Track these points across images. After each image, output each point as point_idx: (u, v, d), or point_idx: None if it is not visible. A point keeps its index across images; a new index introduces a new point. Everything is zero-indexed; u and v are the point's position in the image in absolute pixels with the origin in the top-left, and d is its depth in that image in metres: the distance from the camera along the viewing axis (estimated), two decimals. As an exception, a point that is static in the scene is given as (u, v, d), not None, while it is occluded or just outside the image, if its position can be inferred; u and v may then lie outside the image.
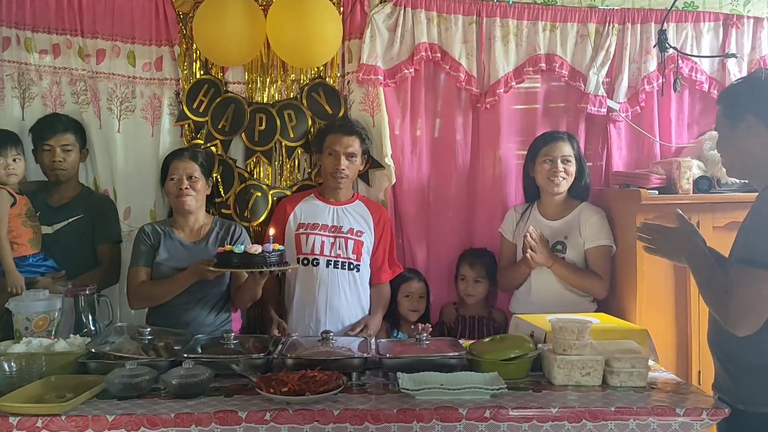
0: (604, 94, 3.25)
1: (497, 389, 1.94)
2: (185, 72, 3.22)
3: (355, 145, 3.00)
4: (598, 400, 1.94)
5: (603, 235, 2.93)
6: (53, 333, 2.45)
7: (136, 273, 2.77)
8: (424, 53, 3.20)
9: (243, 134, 3.23)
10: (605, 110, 3.25)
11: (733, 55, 3.20)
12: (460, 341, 2.38)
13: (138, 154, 3.22)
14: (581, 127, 3.31)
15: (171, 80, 3.23)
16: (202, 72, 3.24)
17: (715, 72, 3.31)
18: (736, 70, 3.27)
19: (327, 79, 3.27)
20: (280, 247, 2.58)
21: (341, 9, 3.20)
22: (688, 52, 3.25)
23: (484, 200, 3.31)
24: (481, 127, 3.31)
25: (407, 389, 1.95)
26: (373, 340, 2.45)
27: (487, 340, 2.31)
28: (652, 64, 3.25)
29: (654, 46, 3.19)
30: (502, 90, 3.24)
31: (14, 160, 2.83)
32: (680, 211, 2.07)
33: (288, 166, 3.27)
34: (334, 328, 2.75)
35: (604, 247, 2.93)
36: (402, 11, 3.20)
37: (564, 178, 2.94)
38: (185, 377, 1.97)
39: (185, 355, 2.16)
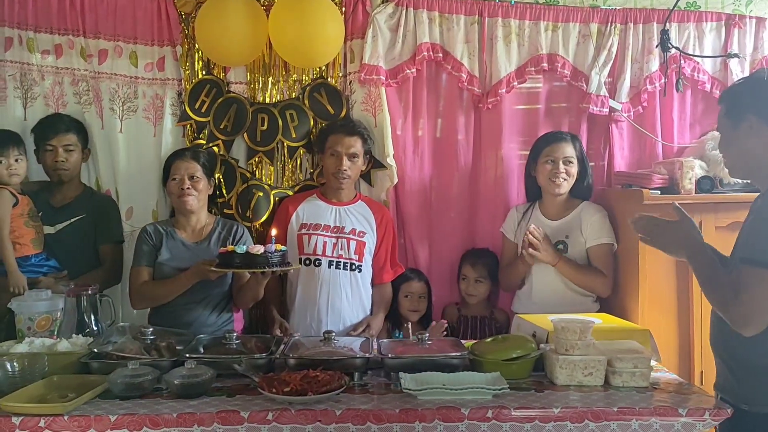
0: (606, 94, 3.25)
1: (499, 389, 1.94)
2: (187, 72, 3.23)
3: (357, 145, 3.00)
4: (600, 400, 1.94)
5: (604, 233, 2.93)
6: (56, 333, 2.45)
7: (138, 273, 2.77)
8: (426, 53, 3.20)
9: (245, 134, 3.24)
10: (607, 110, 3.25)
11: (736, 55, 3.20)
12: (462, 341, 2.37)
13: (140, 154, 3.23)
14: (583, 127, 3.31)
15: (173, 80, 3.24)
16: (204, 72, 3.24)
17: (717, 72, 3.31)
18: (738, 70, 3.27)
19: (329, 79, 3.27)
20: (283, 247, 2.58)
21: (343, 9, 3.20)
22: (690, 52, 3.25)
23: (486, 200, 3.31)
24: (483, 127, 3.31)
25: (409, 389, 1.94)
26: (374, 340, 2.45)
27: (489, 340, 2.30)
28: (655, 64, 3.25)
29: (656, 46, 3.19)
30: (504, 90, 3.24)
31: (16, 161, 2.83)
32: (677, 204, 2.05)
33: (290, 166, 3.27)
34: (335, 329, 2.75)
35: (606, 245, 2.93)
36: (404, 11, 3.20)
37: (565, 179, 2.94)
38: (187, 377, 1.97)
39: (187, 355, 2.16)
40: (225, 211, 3.19)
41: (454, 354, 2.19)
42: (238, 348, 2.26)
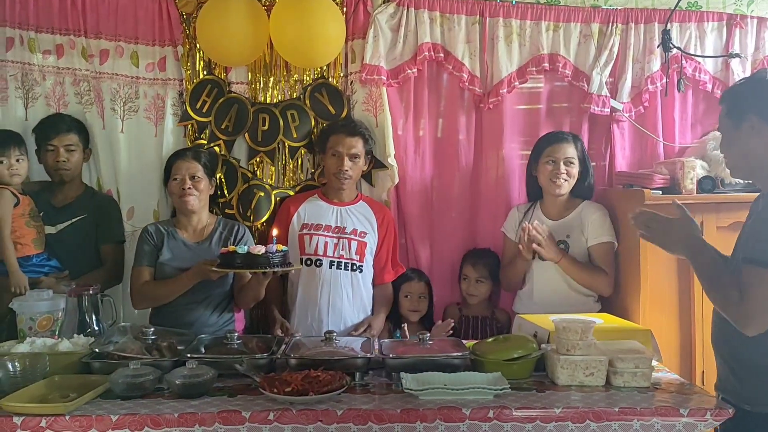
0: (608, 94, 3.24)
1: (500, 389, 1.94)
2: (188, 72, 3.23)
3: (358, 146, 3.00)
4: (601, 400, 1.94)
5: (605, 231, 2.93)
6: (57, 333, 2.45)
7: (139, 273, 2.78)
8: (427, 53, 3.20)
9: (246, 134, 3.24)
10: (608, 110, 3.25)
11: (737, 55, 3.20)
12: (463, 341, 2.37)
13: (141, 154, 3.23)
14: (584, 127, 3.31)
15: (174, 80, 3.24)
16: (205, 72, 3.24)
17: (718, 72, 3.31)
18: (739, 70, 3.27)
19: (330, 80, 3.27)
20: (284, 247, 2.58)
21: (344, 9, 3.20)
22: (691, 52, 3.25)
23: (488, 200, 3.30)
24: (484, 127, 3.31)
25: (411, 389, 1.94)
26: (376, 340, 2.45)
27: (490, 340, 2.30)
28: (656, 64, 3.25)
29: (658, 46, 3.19)
30: (505, 90, 3.24)
31: (17, 161, 2.83)
32: (678, 202, 2.05)
33: (291, 166, 3.27)
34: (336, 329, 2.74)
35: (607, 243, 2.93)
36: (405, 11, 3.20)
37: (566, 180, 2.94)
38: (189, 377, 1.97)
39: (189, 355, 2.16)
40: (226, 211, 3.19)
41: (455, 354, 2.19)
42: (239, 348, 2.26)
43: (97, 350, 2.18)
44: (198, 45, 3.18)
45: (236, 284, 2.82)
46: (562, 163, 2.92)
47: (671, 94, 3.23)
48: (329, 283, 2.95)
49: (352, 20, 3.21)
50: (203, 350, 2.27)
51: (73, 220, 3.00)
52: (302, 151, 3.27)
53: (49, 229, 2.94)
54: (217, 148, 3.21)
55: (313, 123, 3.26)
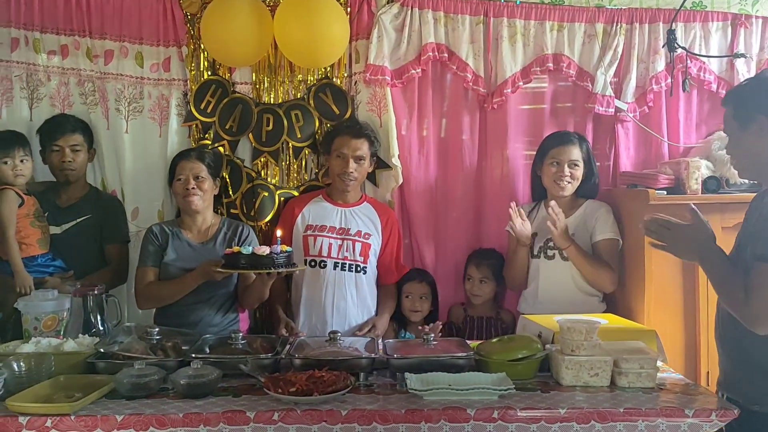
0: (612, 94, 3.24)
1: (505, 390, 1.94)
2: (193, 72, 3.23)
3: (363, 148, 2.99)
4: (606, 401, 1.94)
5: (609, 228, 2.93)
6: (62, 333, 2.46)
7: (144, 273, 2.78)
8: (431, 53, 3.20)
9: (250, 135, 3.24)
10: (613, 110, 3.24)
11: (743, 55, 3.19)
12: (468, 342, 2.37)
13: (146, 154, 3.23)
14: (589, 127, 3.30)
15: (179, 81, 3.24)
16: (209, 72, 3.25)
17: (723, 72, 3.30)
18: (744, 70, 3.26)
19: (334, 80, 3.27)
20: (288, 248, 2.58)
21: (348, 9, 3.20)
22: (696, 51, 3.24)
23: (492, 200, 3.30)
24: (489, 127, 3.31)
25: (415, 390, 1.95)
26: (380, 341, 2.45)
27: (494, 340, 2.30)
28: (660, 64, 3.24)
29: (663, 46, 3.18)
30: (509, 90, 3.23)
31: (22, 161, 2.83)
32: (693, 206, 2.02)
33: (295, 166, 3.28)
34: (340, 330, 2.75)
35: (612, 240, 2.92)
36: (409, 11, 3.20)
37: (569, 182, 2.93)
38: (193, 377, 1.97)
39: (193, 355, 2.16)
40: (231, 211, 3.20)
41: (459, 354, 2.20)
42: (243, 348, 2.26)
43: (102, 350, 2.19)
44: (202, 45, 3.19)
45: (240, 285, 2.83)
46: (566, 166, 2.92)
47: (676, 94, 3.22)
48: (333, 285, 2.96)
49: (356, 20, 3.21)
50: (208, 350, 2.27)
51: (78, 220, 3.00)
52: (306, 152, 3.28)
53: (54, 230, 2.94)
54: (221, 149, 3.21)
55: (317, 123, 3.26)
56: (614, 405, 1.89)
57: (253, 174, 3.24)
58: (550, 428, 1.85)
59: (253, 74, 3.27)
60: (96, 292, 2.54)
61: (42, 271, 2.83)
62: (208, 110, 3.23)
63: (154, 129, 3.24)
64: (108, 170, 3.25)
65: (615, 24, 3.24)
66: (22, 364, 2.02)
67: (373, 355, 2.20)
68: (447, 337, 2.87)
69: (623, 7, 3.25)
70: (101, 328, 2.52)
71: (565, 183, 2.92)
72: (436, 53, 3.21)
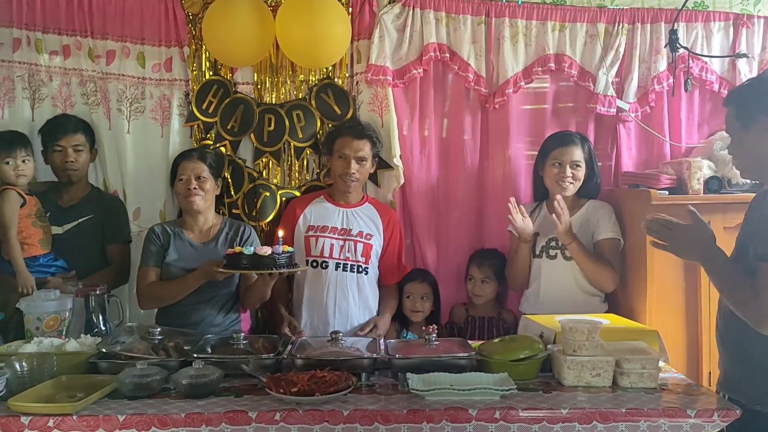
0: (614, 94, 3.24)
1: (507, 390, 1.94)
2: (195, 73, 3.23)
3: (365, 149, 2.99)
4: (608, 401, 1.94)
5: (610, 228, 2.93)
6: (64, 333, 2.46)
7: (145, 273, 2.78)
8: (432, 53, 3.20)
9: (252, 135, 3.24)
10: (615, 110, 3.24)
11: (745, 55, 3.19)
12: (470, 342, 2.37)
13: (147, 154, 3.23)
14: (590, 127, 3.30)
15: (180, 81, 3.24)
16: (211, 73, 3.25)
17: (725, 72, 3.29)
18: (746, 70, 3.25)
19: (336, 80, 3.27)
20: (290, 248, 2.59)
21: (350, 9, 3.20)
22: (698, 51, 3.24)
23: (494, 200, 3.29)
24: (490, 127, 3.31)
25: (417, 390, 1.94)
26: (382, 341, 2.45)
27: (496, 340, 2.30)
28: (662, 64, 3.24)
29: (665, 46, 3.18)
30: (510, 90, 3.23)
31: (23, 161, 2.83)
32: (692, 208, 2.03)
33: (296, 166, 3.28)
34: (342, 330, 2.75)
35: (613, 240, 2.92)
36: (411, 12, 3.20)
37: (571, 183, 2.93)
38: (195, 377, 1.97)
39: (195, 356, 2.16)
40: (233, 211, 3.20)
41: (461, 355, 2.20)
42: (245, 348, 2.26)
43: (104, 350, 2.19)
44: (204, 46, 3.19)
45: (242, 285, 2.83)
46: (568, 166, 2.91)
47: (678, 94, 3.22)
48: (335, 285, 2.96)
49: (357, 20, 3.21)
50: (210, 350, 2.28)
51: (80, 220, 3.01)
52: (308, 152, 3.28)
53: (56, 230, 2.95)
54: (222, 149, 3.21)
55: (318, 123, 3.26)
56: (616, 405, 1.89)
57: (255, 174, 3.24)
58: (552, 428, 1.85)
59: (255, 74, 3.28)
60: (98, 292, 2.54)
61: (44, 271, 2.84)
62: (210, 110, 3.23)
63: (156, 129, 3.24)
64: (110, 170, 3.25)
65: (617, 24, 3.24)
66: (24, 364, 2.02)
67: (374, 356, 2.20)
68: (449, 338, 2.87)
69: (625, 7, 3.24)
70: (103, 328, 2.52)
71: (567, 184, 2.92)
72: (438, 53, 3.21)
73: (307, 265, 2.94)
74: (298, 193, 3.24)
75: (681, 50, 3.13)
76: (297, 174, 3.29)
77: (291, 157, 3.27)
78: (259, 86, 3.28)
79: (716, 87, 3.27)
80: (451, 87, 3.31)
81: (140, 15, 3.19)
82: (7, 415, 1.81)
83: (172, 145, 3.21)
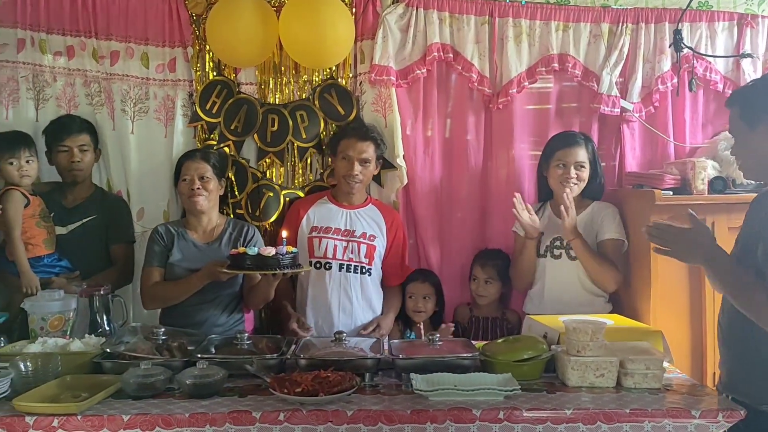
0: (618, 94, 3.23)
1: (511, 390, 1.94)
2: (198, 73, 3.24)
3: (369, 150, 2.99)
4: (612, 401, 1.93)
5: (614, 228, 2.92)
6: (68, 333, 2.47)
7: (149, 273, 2.78)
8: (436, 54, 3.20)
9: (255, 135, 3.25)
10: (618, 110, 3.24)
11: (749, 55, 3.19)
12: (473, 342, 2.37)
13: (151, 155, 3.24)
14: (594, 128, 3.30)
15: (184, 81, 3.25)
16: (214, 73, 3.25)
17: (729, 72, 3.29)
18: (750, 70, 3.25)
19: (339, 80, 3.28)
20: (294, 249, 2.59)
21: (353, 10, 3.20)
22: (702, 51, 3.23)
23: (498, 200, 3.29)
24: (494, 127, 3.31)
25: (421, 390, 1.94)
26: (385, 341, 2.45)
27: (500, 341, 2.29)
28: (666, 64, 3.23)
29: (669, 46, 3.18)
30: (514, 90, 3.23)
31: (27, 162, 2.84)
32: (692, 211, 2.02)
33: (300, 166, 3.28)
34: (346, 330, 2.75)
35: (617, 240, 2.92)
36: (414, 12, 3.20)
37: (576, 184, 2.93)
38: (199, 377, 1.97)
39: (199, 356, 2.17)
40: (237, 211, 3.20)
41: (465, 355, 2.19)
42: (249, 348, 2.26)
43: (108, 350, 2.19)
44: (208, 46, 3.19)
45: (246, 285, 2.83)
46: (572, 168, 2.91)
47: (682, 94, 3.22)
48: (339, 286, 2.96)
49: (361, 21, 3.21)
50: (213, 350, 2.28)
51: (84, 220, 3.01)
52: (311, 152, 3.28)
53: (60, 230, 2.95)
54: (226, 149, 3.22)
55: (322, 124, 3.26)
56: (620, 406, 1.89)
57: (259, 174, 3.24)
58: (556, 429, 1.85)
59: (258, 75, 3.28)
60: (102, 292, 2.55)
61: (48, 271, 2.84)
62: (214, 111, 3.24)
63: (160, 129, 3.25)
64: (113, 171, 3.26)
65: (620, 24, 3.23)
66: (28, 364, 2.02)
67: (378, 356, 2.20)
68: (452, 338, 2.87)
69: (629, 7, 3.24)
70: (107, 328, 2.53)
71: (572, 185, 2.91)
72: (441, 53, 3.21)
73: (311, 266, 2.94)
74: (301, 194, 3.24)
75: (685, 50, 3.13)
76: (300, 174, 3.29)
77: (294, 157, 3.27)
78: (262, 86, 3.28)
79: (720, 87, 3.27)
80: (454, 87, 3.31)
81: (144, 16, 3.20)
82: (12, 415, 1.81)
83: (176, 145, 3.22)
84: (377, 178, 3.24)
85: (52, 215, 2.92)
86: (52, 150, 3.02)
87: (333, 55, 3.12)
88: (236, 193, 3.20)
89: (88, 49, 3.20)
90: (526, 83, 3.25)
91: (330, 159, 3.20)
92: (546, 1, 3.23)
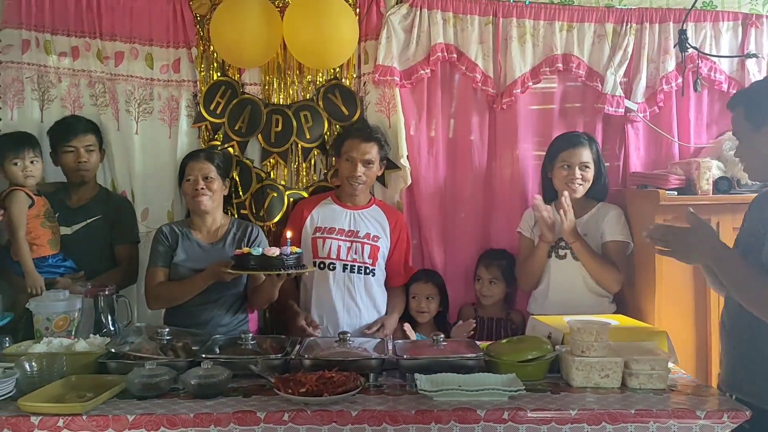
0: (622, 95, 3.23)
1: (515, 391, 1.94)
2: (202, 74, 3.24)
3: (372, 152, 2.99)
4: (617, 402, 1.93)
5: (619, 230, 2.92)
6: (73, 333, 2.47)
7: (154, 273, 2.79)
8: (440, 54, 3.20)
9: (259, 135, 3.25)
10: (623, 110, 3.23)
11: (754, 55, 3.18)
12: (478, 342, 2.37)
13: (156, 155, 3.24)
14: (598, 128, 3.30)
15: (188, 82, 3.25)
16: (219, 74, 3.26)
17: (734, 72, 3.28)
18: (755, 70, 3.25)
19: (343, 80, 3.28)
20: (298, 249, 2.59)
21: (357, 10, 3.20)
22: (707, 51, 3.22)
23: (502, 200, 3.30)
24: (498, 127, 3.31)
25: (425, 390, 1.94)
26: (389, 341, 2.45)
27: (504, 341, 2.30)
28: (671, 64, 3.23)
29: (674, 46, 3.17)
30: (518, 90, 3.23)
31: (32, 162, 2.84)
32: (692, 210, 2.01)
33: (304, 167, 3.28)
34: (350, 331, 2.75)
35: (621, 242, 2.92)
36: (418, 12, 3.20)
37: (581, 184, 2.93)
38: (204, 377, 1.98)
39: (204, 356, 2.17)
40: (241, 211, 3.21)
41: (469, 355, 2.19)
42: (253, 348, 2.26)
43: (113, 350, 2.20)
44: (212, 47, 3.20)
45: (250, 285, 2.83)
46: (577, 168, 2.91)
47: (686, 94, 3.21)
48: (343, 287, 2.96)
49: (365, 21, 3.21)
50: (218, 351, 2.28)
51: (88, 220, 3.02)
52: (315, 152, 3.28)
53: (65, 230, 2.95)
54: (230, 149, 3.22)
55: (326, 124, 3.27)
56: (625, 406, 1.88)
57: (263, 174, 3.24)
58: (561, 429, 1.85)
59: (263, 75, 3.28)
60: (107, 292, 2.55)
61: (53, 271, 2.84)
62: (218, 111, 3.24)
63: (164, 130, 3.25)
64: (118, 171, 3.26)
65: (625, 24, 3.23)
66: (33, 364, 2.02)
67: (382, 356, 2.20)
68: (456, 338, 2.87)
69: (633, 7, 3.24)
70: (112, 329, 2.53)
71: (577, 185, 2.91)
72: (445, 54, 3.21)
73: (315, 266, 2.94)
74: (305, 194, 3.25)
75: (690, 50, 3.12)
76: (304, 174, 3.29)
77: (298, 157, 3.27)
78: (266, 87, 3.28)
79: (725, 87, 3.26)
80: (458, 87, 3.31)
81: (148, 16, 3.20)
82: (17, 415, 1.82)
83: (180, 145, 3.22)
84: (381, 179, 3.24)
85: (56, 216, 2.92)
86: (58, 150, 3.02)
87: (337, 56, 3.13)
88: (240, 193, 3.21)
89: (93, 50, 3.21)
90: (530, 83, 3.25)
91: (334, 160, 3.20)
92: (550, 1, 3.23)
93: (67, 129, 3.02)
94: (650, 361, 2.05)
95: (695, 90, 3.16)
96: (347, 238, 3.00)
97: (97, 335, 2.38)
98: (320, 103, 3.26)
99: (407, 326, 2.95)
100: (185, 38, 3.22)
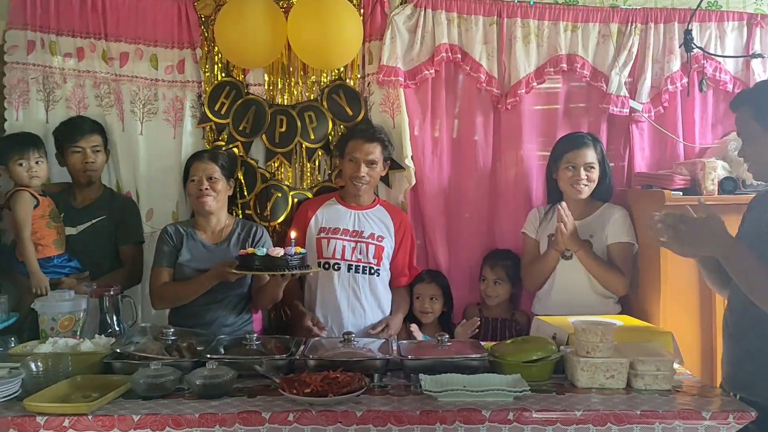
0: (627, 95, 3.22)
1: (520, 391, 1.93)
2: (207, 74, 3.25)
3: (376, 152, 2.99)
4: (622, 403, 1.93)
5: (625, 231, 2.92)
6: (78, 333, 2.48)
7: (158, 274, 2.79)
8: (444, 54, 3.19)
9: (264, 136, 3.25)
10: (627, 111, 3.23)
11: (759, 56, 3.18)
12: (482, 343, 2.36)
13: (160, 156, 3.25)
14: (603, 128, 3.29)
15: (193, 82, 3.26)
16: (223, 74, 3.26)
17: (739, 72, 3.28)
18: (760, 70, 3.24)
19: (347, 81, 3.28)
20: (302, 250, 2.59)
21: (362, 10, 3.20)
22: (711, 51, 3.22)
23: (506, 201, 3.29)
24: (502, 127, 3.30)
25: (430, 391, 1.94)
26: (394, 342, 2.45)
27: (509, 342, 2.30)
28: (676, 64, 3.22)
29: (679, 46, 3.16)
30: (523, 91, 3.23)
31: (37, 163, 2.84)
32: (703, 200, 1.98)
33: (308, 167, 3.28)
34: (355, 331, 2.75)
35: (626, 244, 2.91)
36: (422, 12, 3.20)
37: (586, 185, 2.92)
38: (209, 378, 1.98)
39: (208, 356, 2.17)
40: (245, 211, 3.21)
41: (474, 356, 2.19)
42: (258, 349, 2.26)
43: (118, 350, 2.20)
44: (216, 47, 3.20)
45: (254, 286, 2.83)
46: (582, 169, 2.90)
47: (692, 94, 3.21)
48: (347, 287, 2.96)
49: (369, 21, 3.21)
50: (223, 351, 2.28)
51: (93, 221, 3.02)
52: (319, 153, 3.28)
53: (70, 230, 2.96)
54: (235, 150, 3.22)
55: (330, 124, 3.27)
56: (630, 407, 1.88)
57: (267, 175, 3.25)
58: (566, 430, 1.85)
59: (267, 76, 3.28)
60: (112, 292, 2.56)
61: (58, 271, 2.85)
62: (222, 112, 3.24)
63: (169, 130, 3.26)
64: (123, 171, 3.27)
65: (629, 24, 3.22)
66: (39, 364, 2.03)
67: (387, 356, 2.20)
68: (460, 338, 2.87)
69: (638, 7, 3.23)
70: (117, 329, 2.54)
71: (582, 186, 2.91)
72: (450, 54, 3.21)
73: (319, 266, 2.95)
74: (309, 194, 3.25)
75: (695, 50, 3.11)
76: (308, 175, 3.29)
77: (302, 158, 3.27)
78: (270, 87, 3.29)
79: (730, 87, 3.25)
80: (462, 88, 3.31)
81: (153, 17, 3.21)
82: (23, 415, 1.82)
83: (185, 146, 3.22)
84: (385, 179, 3.24)
85: (62, 216, 2.93)
86: (64, 151, 3.02)
87: (341, 56, 3.13)
88: (245, 193, 3.21)
89: (98, 51, 3.22)
90: (535, 83, 3.24)
91: (338, 160, 3.20)
92: (554, 1, 3.23)
93: (73, 129, 3.03)
94: (655, 362, 2.04)
95: (700, 90, 3.15)
96: (352, 239, 3.00)
97: (102, 335, 2.39)
98: (324, 103, 3.27)
99: (414, 327, 2.96)
100: (190, 39, 3.23)
